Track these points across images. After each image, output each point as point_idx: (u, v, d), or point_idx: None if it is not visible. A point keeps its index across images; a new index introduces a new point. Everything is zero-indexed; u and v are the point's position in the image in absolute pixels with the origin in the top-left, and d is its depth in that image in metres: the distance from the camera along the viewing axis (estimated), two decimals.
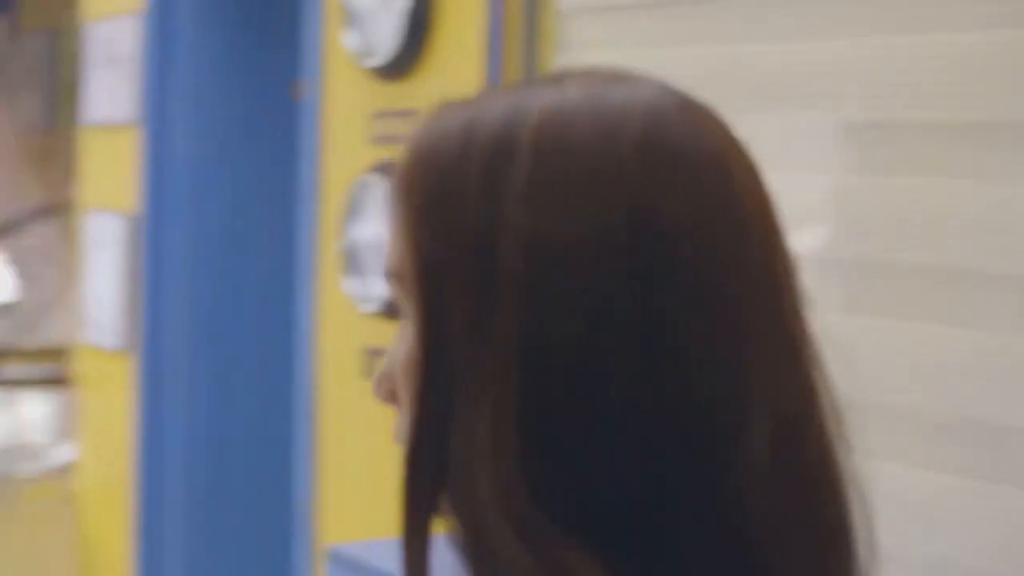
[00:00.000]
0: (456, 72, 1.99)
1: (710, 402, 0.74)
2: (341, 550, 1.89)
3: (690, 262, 0.76)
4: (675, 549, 0.75)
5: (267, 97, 2.42)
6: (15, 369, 4.32)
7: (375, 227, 2.04)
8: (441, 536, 0.76)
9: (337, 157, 2.15)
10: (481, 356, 0.75)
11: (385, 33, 2.04)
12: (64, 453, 3.62)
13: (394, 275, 0.78)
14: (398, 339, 0.79)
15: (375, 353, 2.08)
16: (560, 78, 0.82)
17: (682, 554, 0.74)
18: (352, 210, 2.08)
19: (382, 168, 2.04)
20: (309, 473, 2.17)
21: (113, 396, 2.94)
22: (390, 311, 2.01)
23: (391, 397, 0.80)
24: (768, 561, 0.75)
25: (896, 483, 1.57)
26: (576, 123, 0.80)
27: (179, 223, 2.48)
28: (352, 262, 2.09)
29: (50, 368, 4.10)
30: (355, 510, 2.13)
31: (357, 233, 2.08)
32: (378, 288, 2.04)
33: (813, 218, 1.68)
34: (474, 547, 0.76)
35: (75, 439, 3.45)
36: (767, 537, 0.75)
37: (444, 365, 0.76)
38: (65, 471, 3.53)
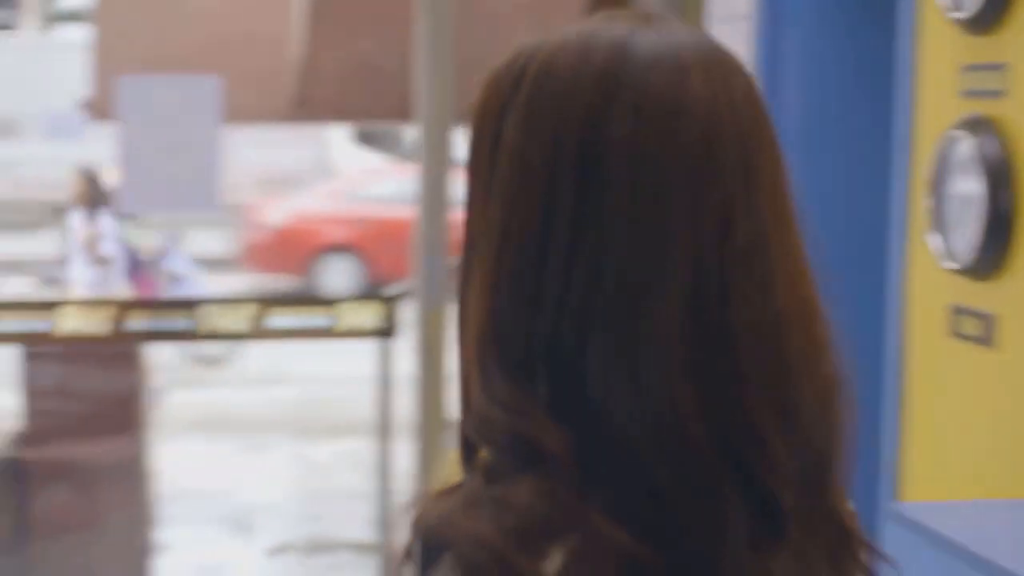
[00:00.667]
0: None
1: (631, 282, 0.99)
2: (903, 509, 1.91)
3: (622, 178, 1.00)
4: (596, 386, 0.99)
5: (867, 53, 2.43)
6: None
7: (962, 183, 2.03)
8: None
9: (928, 112, 2.14)
10: (481, 237, 1.04)
11: None
12: None
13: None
14: None
15: (959, 311, 2.07)
16: (609, 16, 1.04)
17: (603, 387, 0.99)
18: (940, 165, 2.08)
19: (969, 123, 2.02)
20: (896, 432, 2.19)
21: None
22: (975, 269, 2.00)
23: None
24: (677, 402, 0.98)
25: None
26: (561, 57, 1.03)
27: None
28: (938, 218, 2.09)
29: None
30: (939, 472, 2.13)
31: (944, 188, 2.07)
32: (963, 244, 2.02)
33: None
34: (461, 395, 1.05)
35: None
36: (681, 381, 0.98)
37: (469, 248, 1.05)
38: None
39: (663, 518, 0.99)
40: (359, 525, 5.83)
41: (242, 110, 5.28)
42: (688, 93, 1.01)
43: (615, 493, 0.99)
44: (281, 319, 4.04)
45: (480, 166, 1.05)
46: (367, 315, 4.14)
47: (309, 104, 5.66)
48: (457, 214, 1.31)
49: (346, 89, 5.57)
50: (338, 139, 17.99)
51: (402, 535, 1.02)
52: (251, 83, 5.43)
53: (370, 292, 10.64)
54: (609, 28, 1.04)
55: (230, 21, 5.51)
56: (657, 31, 1.03)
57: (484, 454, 1.03)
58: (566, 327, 1.00)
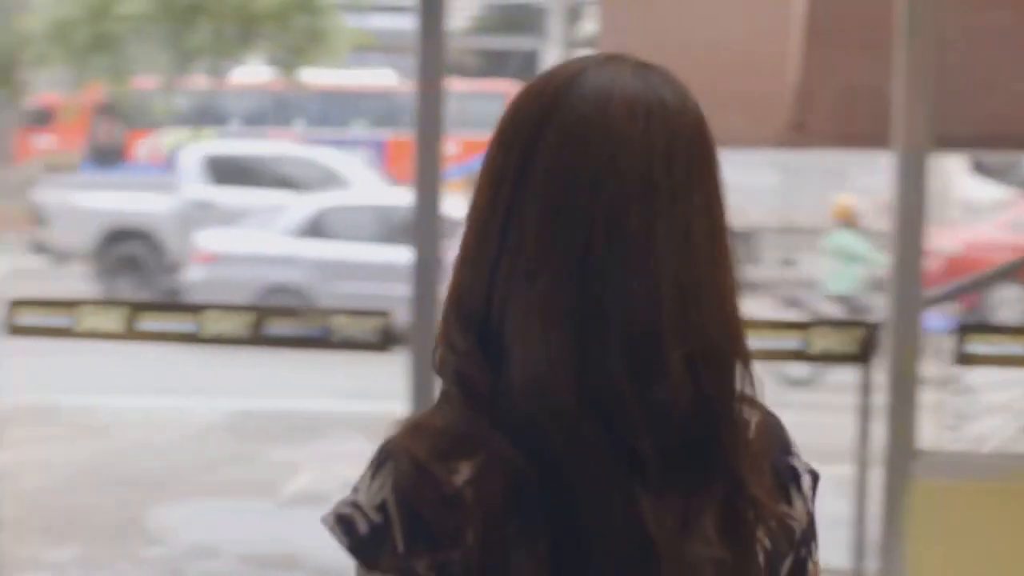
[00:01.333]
0: None
1: (537, 255, 1.34)
2: None
3: (543, 176, 1.36)
4: (509, 337, 1.35)
5: None
6: None
7: None
8: None
9: None
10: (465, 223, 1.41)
11: None
12: None
13: None
14: None
15: None
16: (602, 57, 1.41)
17: (513, 338, 1.34)
18: None
19: None
20: None
21: None
22: None
23: None
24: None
25: None
26: (535, 86, 1.41)
27: None
28: None
29: None
30: None
31: None
32: None
33: None
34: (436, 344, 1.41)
35: None
36: (559, 343, 1.33)
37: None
38: None
39: (546, 447, 1.32)
40: (837, 551, 5.79)
41: (738, 134, 5.36)
42: (607, 119, 1.35)
43: (514, 425, 1.33)
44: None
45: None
46: (842, 340, 4.15)
47: (805, 129, 5.68)
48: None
49: (843, 114, 5.56)
50: (954, 169, 18.17)
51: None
52: (748, 107, 5.50)
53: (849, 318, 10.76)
54: (580, 65, 1.40)
55: (729, 46, 5.61)
56: (616, 72, 1.38)
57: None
58: (497, 290, 1.36)
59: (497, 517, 1.32)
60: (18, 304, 4.31)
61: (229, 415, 10.32)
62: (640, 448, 1.33)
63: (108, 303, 4.54)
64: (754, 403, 1.44)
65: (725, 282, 1.39)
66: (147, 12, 20.26)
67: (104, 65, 20.91)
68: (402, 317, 3.96)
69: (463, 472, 1.33)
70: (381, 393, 6.74)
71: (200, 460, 9.18)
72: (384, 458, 1.37)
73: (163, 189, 17.01)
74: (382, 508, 1.36)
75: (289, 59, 21.28)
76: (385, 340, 4.01)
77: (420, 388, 3.96)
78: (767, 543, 1.41)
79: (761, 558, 1.41)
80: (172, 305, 7.79)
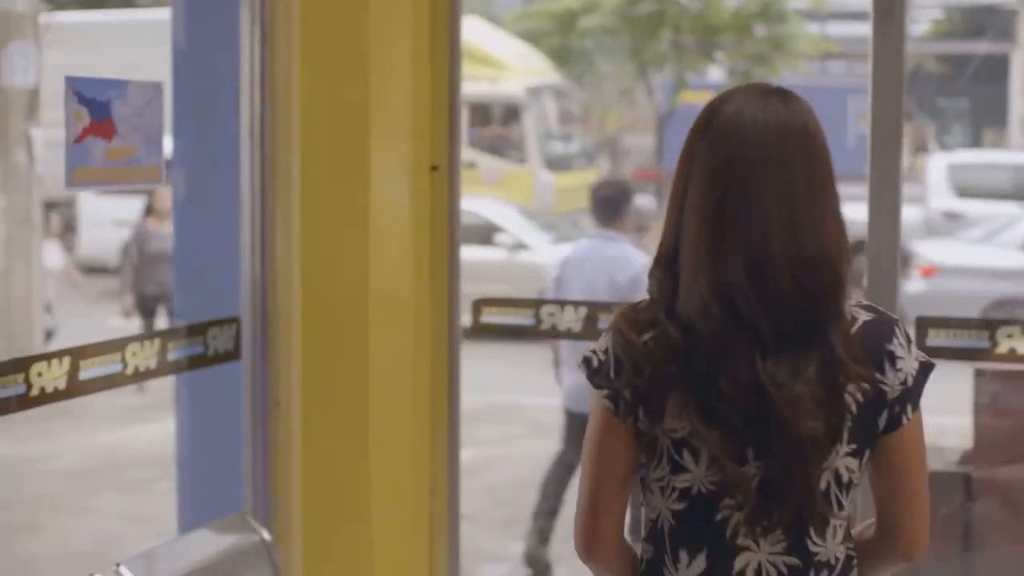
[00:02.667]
0: None
1: (689, 216, 2.22)
2: None
3: (701, 162, 2.22)
4: (681, 270, 2.24)
5: None
6: None
7: None
8: None
9: None
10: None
11: None
12: None
13: None
14: None
15: None
16: (752, 87, 2.30)
17: (683, 271, 2.23)
18: None
19: None
20: None
21: None
22: None
23: None
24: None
25: None
26: (706, 105, 2.28)
27: None
28: None
29: None
30: None
31: None
32: None
33: None
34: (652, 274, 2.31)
35: None
36: (706, 275, 2.19)
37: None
38: None
39: (692, 327, 2.19)
40: None
41: None
42: (752, 123, 2.20)
43: (677, 315, 2.21)
44: None
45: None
46: None
47: None
48: None
49: None
50: None
51: None
52: None
53: None
54: (742, 89, 2.28)
55: None
56: (762, 92, 2.26)
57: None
58: (676, 242, 2.24)
59: (660, 365, 2.21)
60: (479, 303, 4.54)
61: None
62: (760, 328, 2.16)
63: (563, 302, 4.70)
64: (872, 309, 2.25)
65: (822, 221, 2.17)
66: (609, 25, 20.75)
67: (569, 76, 21.59)
68: None
69: (644, 337, 2.24)
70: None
71: None
72: (608, 328, 2.31)
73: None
74: (605, 353, 2.29)
75: (748, 67, 21.32)
76: None
77: None
78: (859, 397, 2.19)
79: (853, 407, 2.18)
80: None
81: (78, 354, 3.69)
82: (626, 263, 6.92)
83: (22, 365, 3.52)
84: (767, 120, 2.19)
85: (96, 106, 3.73)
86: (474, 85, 17.96)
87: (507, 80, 19.77)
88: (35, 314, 12.72)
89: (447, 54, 4.45)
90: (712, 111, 2.24)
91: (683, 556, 2.21)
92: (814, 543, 2.18)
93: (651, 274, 2.28)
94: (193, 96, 4.46)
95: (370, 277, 4.36)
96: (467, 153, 18.71)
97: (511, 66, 20.41)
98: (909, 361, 2.22)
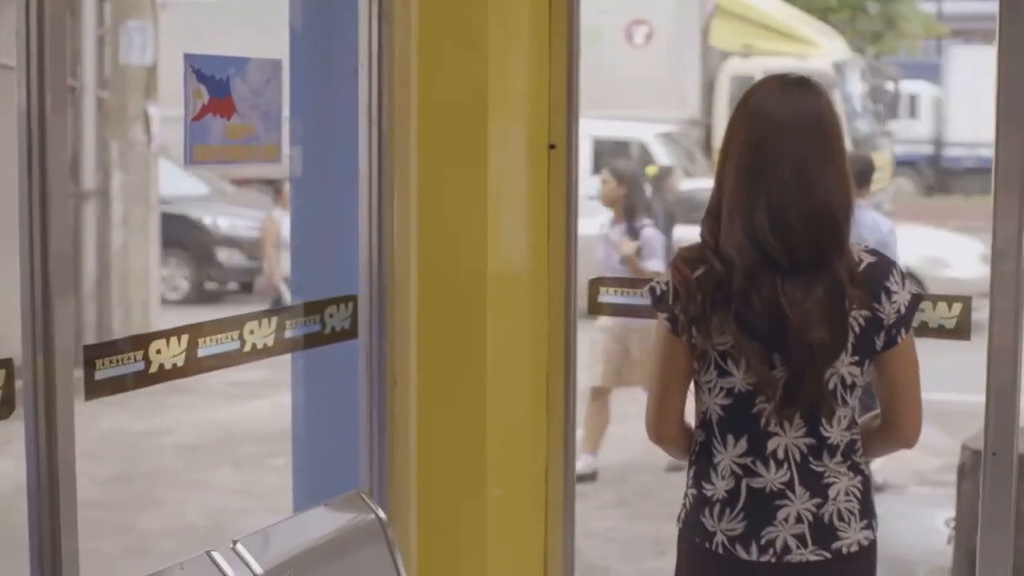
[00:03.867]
0: None
1: (727, 180, 2.94)
2: None
3: (736, 137, 2.93)
4: (723, 220, 2.94)
5: None
6: None
7: None
8: None
9: None
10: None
11: None
12: None
13: None
14: None
15: None
16: (780, 76, 3.04)
17: (723, 221, 2.93)
18: None
19: None
20: None
21: None
22: None
23: None
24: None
25: None
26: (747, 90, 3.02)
27: None
28: None
29: None
30: None
31: None
32: None
33: None
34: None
35: None
36: (743, 225, 2.88)
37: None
38: None
39: (732, 263, 2.83)
40: None
41: None
42: (770, 105, 2.88)
43: (721, 254, 2.86)
44: None
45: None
46: None
47: None
48: None
49: None
50: None
51: None
52: None
53: None
54: (770, 78, 2.99)
55: None
56: (784, 82, 2.94)
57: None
58: (720, 200, 2.91)
59: (709, 293, 2.87)
60: (595, 281, 4.51)
61: None
62: (779, 260, 2.82)
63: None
64: (875, 253, 2.93)
65: (828, 181, 2.85)
66: None
67: None
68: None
69: (697, 272, 2.90)
70: (959, 384, 6.59)
71: None
72: (670, 263, 2.98)
73: None
74: (666, 284, 2.97)
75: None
76: (965, 329, 3.94)
77: (997, 376, 3.86)
78: (861, 321, 2.88)
79: (856, 327, 2.86)
80: None
81: (196, 331, 3.71)
82: (875, 227, 8.13)
83: (141, 342, 3.55)
84: (787, 105, 2.88)
85: (215, 84, 3.75)
86: (782, 61, 17.84)
87: (815, 57, 19.44)
88: (152, 290, 12.87)
89: (565, 31, 4.42)
90: (747, 98, 2.95)
91: (730, 439, 2.95)
92: (825, 429, 2.91)
93: (702, 222, 2.94)
94: (311, 75, 4.47)
95: (487, 256, 4.35)
96: None
97: (818, 43, 20.15)
98: (902, 294, 2.91)
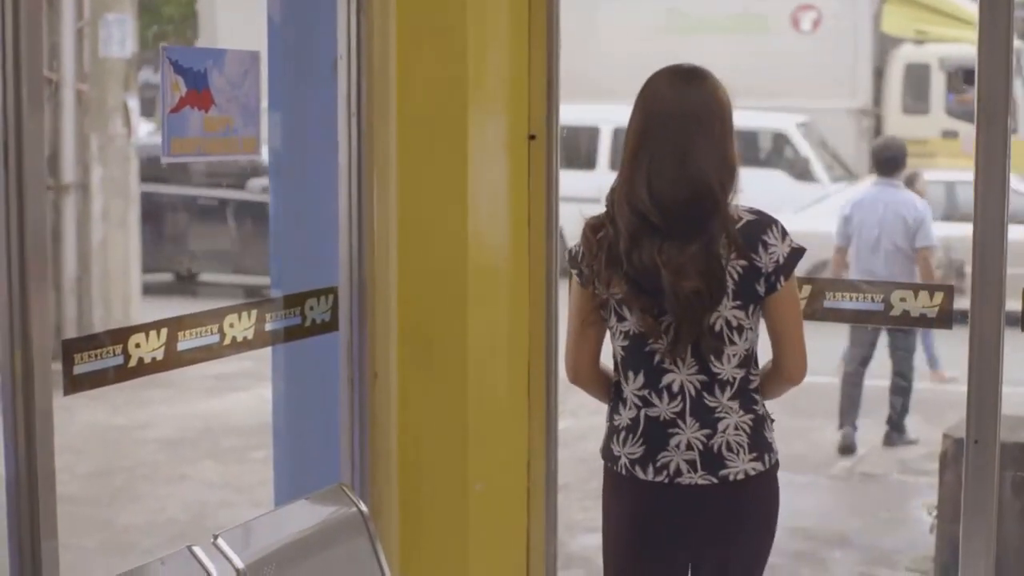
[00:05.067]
0: None
1: (630, 154, 3.31)
2: None
3: (632, 125, 3.32)
4: (629, 181, 3.31)
5: None
6: None
7: None
8: None
9: None
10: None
11: None
12: None
13: None
14: None
15: None
16: (673, 68, 3.40)
17: (629, 182, 3.30)
18: None
19: None
20: None
21: None
22: None
23: None
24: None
25: None
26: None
27: None
28: None
29: None
30: None
31: None
32: None
33: None
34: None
35: None
36: (643, 183, 3.29)
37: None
38: None
39: (623, 227, 3.26)
40: None
41: None
42: (658, 95, 3.30)
43: (614, 218, 3.30)
44: None
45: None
46: None
47: None
48: None
49: None
50: None
51: None
52: None
53: None
54: (662, 70, 3.35)
55: None
56: (673, 72, 3.35)
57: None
58: (627, 166, 3.31)
59: (605, 252, 3.28)
60: None
61: None
62: (658, 224, 3.22)
63: None
64: (757, 212, 3.31)
65: (706, 158, 3.23)
66: None
67: None
68: None
69: (598, 235, 3.32)
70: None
71: None
72: (582, 228, 3.38)
73: None
74: (577, 247, 3.39)
75: None
76: (946, 318, 3.94)
77: (980, 365, 3.86)
78: (739, 269, 3.25)
79: (735, 275, 3.25)
80: None
81: (175, 325, 3.69)
82: (912, 205, 8.84)
83: (120, 336, 3.53)
84: (673, 93, 3.28)
85: (193, 76, 3.72)
86: (958, 48, 17.40)
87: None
88: (133, 284, 12.83)
89: (545, 20, 4.40)
90: (643, 87, 3.33)
91: (630, 375, 3.35)
92: (714, 366, 3.28)
93: (608, 195, 3.34)
94: (290, 67, 4.44)
95: (467, 248, 4.33)
96: (945, 121, 17.80)
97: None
98: (781, 247, 3.27)
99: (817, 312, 4.15)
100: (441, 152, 4.33)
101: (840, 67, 18.74)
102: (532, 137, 4.43)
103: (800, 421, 9.36)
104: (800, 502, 7.61)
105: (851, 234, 9.01)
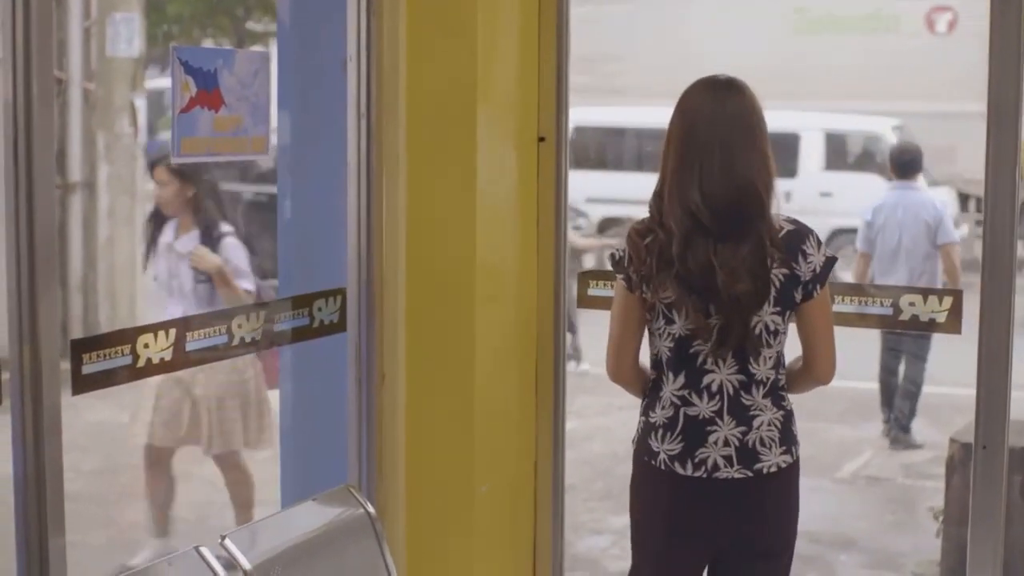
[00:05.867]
0: None
1: (667, 166, 3.44)
2: None
3: (676, 132, 3.45)
4: (666, 198, 3.45)
5: None
6: None
7: None
8: None
9: None
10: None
11: None
12: None
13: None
14: None
15: None
16: (712, 79, 3.53)
17: (668, 199, 3.43)
18: None
19: None
20: None
21: None
22: None
23: None
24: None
25: None
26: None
27: None
28: None
29: None
30: None
31: None
32: None
33: None
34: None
35: None
36: (680, 202, 3.42)
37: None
38: None
39: (674, 232, 3.36)
40: None
41: None
42: (701, 103, 3.43)
43: (664, 226, 3.41)
44: None
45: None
46: None
47: None
48: None
49: None
50: None
51: None
52: None
53: None
54: (701, 80, 3.49)
55: None
56: (713, 83, 3.47)
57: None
58: (664, 180, 3.45)
59: (655, 257, 3.39)
60: (584, 275, 4.50)
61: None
62: (710, 228, 3.35)
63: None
64: (795, 223, 3.47)
65: (750, 163, 3.37)
66: None
67: None
68: None
69: (646, 240, 3.43)
70: (947, 378, 6.59)
71: None
72: (626, 235, 3.47)
73: None
74: (622, 251, 3.49)
75: None
76: (955, 322, 3.94)
77: (989, 370, 3.85)
78: (781, 277, 3.39)
79: (777, 282, 3.39)
80: None
81: (184, 325, 3.69)
82: (931, 206, 8.97)
83: (128, 336, 3.52)
84: (714, 102, 3.42)
85: (203, 76, 3.72)
86: None
87: None
88: (138, 282, 12.83)
89: (555, 22, 4.40)
90: (682, 97, 3.48)
91: (670, 376, 3.49)
92: (752, 367, 3.44)
93: (651, 201, 3.48)
94: (299, 67, 4.44)
95: (476, 249, 4.33)
96: None
97: None
98: (817, 256, 3.44)
99: None
100: (450, 153, 4.32)
101: (974, 69, 18.40)
102: (542, 139, 4.42)
103: (806, 424, 9.34)
104: (807, 505, 7.60)
105: (874, 239, 9.06)
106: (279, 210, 4.79)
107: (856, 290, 4.28)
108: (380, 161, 4.28)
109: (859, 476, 8.58)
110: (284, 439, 4.65)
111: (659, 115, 4.24)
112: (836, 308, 4.13)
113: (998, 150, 3.80)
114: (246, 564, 3.36)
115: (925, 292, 3.99)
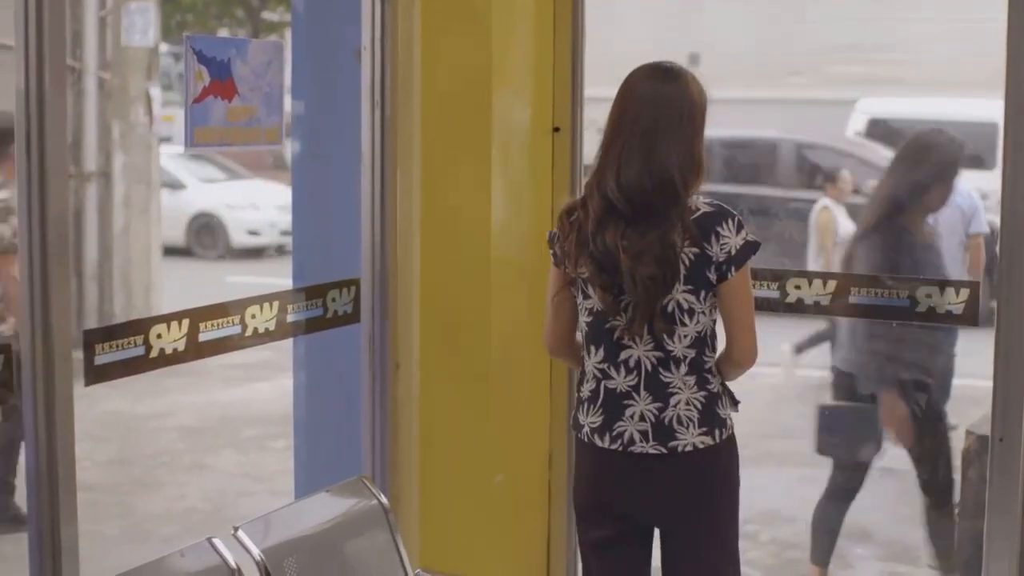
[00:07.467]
0: None
1: (607, 146, 3.47)
2: None
3: (611, 114, 3.47)
4: (601, 173, 3.47)
5: None
6: None
7: None
8: None
9: None
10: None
11: None
12: None
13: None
14: None
15: None
16: (655, 64, 3.54)
17: (603, 175, 3.47)
18: None
19: None
20: None
21: None
22: None
23: None
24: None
25: None
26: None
27: None
28: None
29: None
30: None
31: None
32: None
33: None
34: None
35: None
36: (615, 177, 3.45)
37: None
38: None
39: (592, 213, 3.50)
40: None
41: None
42: (634, 88, 3.46)
43: (588, 204, 3.48)
44: None
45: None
46: None
47: None
48: None
49: None
50: None
51: None
52: None
53: None
54: (642, 67, 3.49)
55: None
56: (652, 69, 3.49)
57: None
58: (602, 154, 3.48)
59: (575, 235, 3.47)
60: None
61: (807, 386, 10.33)
62: (623, 210, 3.40)
63: None
64: (715, 205, 3.47)
65: (670, 152, 3.40)
66: None
67: None
68: None
69: (572, 218, 3.50)
70: (963, 369, 6.57)
71: (774, 427, 9.25)
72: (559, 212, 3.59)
73: None
74: (554, 231, 3.58)
75: None
76: (972, 314, 3.91)
77: (1006, 363, 3.83)
78: (691, 256, 3.41)
79: (687, 261, 3.41)
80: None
81: (197, 316, 3.68)
82: (967, 194, 8.62)
83: (141, 327, 3.52)
84: (646, 90, 3.45)
85: (216, 65, 3.71)
86: None
87: None
88: (153, 272, 12.85)
89: (570, 12, 4.38)
90: (625, 81, 3.49)
91: (592, 349, 3.55)
92: (668, 344, 3.47)
93: (588, 178, 3.53)
94: (313, 57, 4.43)
95: (490, 239, 4.32)
96: None
97: None
98: (734, 239, 3.44)
99: (842, 308, 4.12)
100: (464, 143, 4.31)
101: None
102: (556, 129, 4.41)
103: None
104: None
105: None
106: (293, 200, 4.79)
107: (873, 282, 4.25)
108: (394, 151, 4.27)
109: (875, 468, 8.57)
110: (298, 430, 4.64)
111: None
112: (853, 299, 4.11)
113: (1016, 143, 3.77)
114: (259, 555, 3.36)
115: (942, 284, 3.97)
